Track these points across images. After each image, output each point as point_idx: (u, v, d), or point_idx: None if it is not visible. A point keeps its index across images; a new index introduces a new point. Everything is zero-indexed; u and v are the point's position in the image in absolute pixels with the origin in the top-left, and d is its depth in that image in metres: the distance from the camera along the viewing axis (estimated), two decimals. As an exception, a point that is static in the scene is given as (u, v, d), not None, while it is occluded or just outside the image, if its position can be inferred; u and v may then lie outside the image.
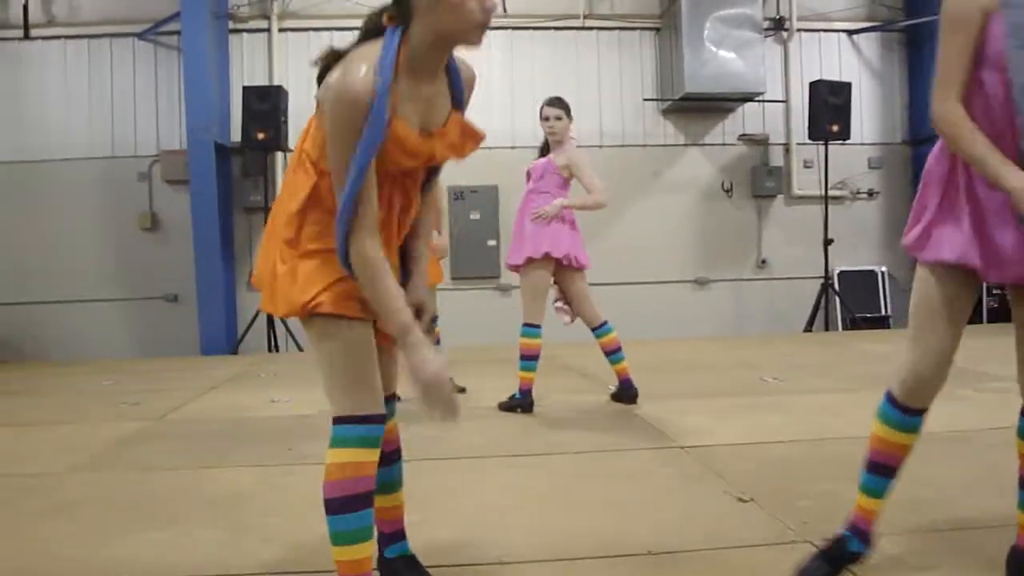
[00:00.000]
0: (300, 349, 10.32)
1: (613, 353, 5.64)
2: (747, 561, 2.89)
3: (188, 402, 6.43)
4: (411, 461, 4.37)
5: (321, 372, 2.29)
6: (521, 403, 5.61)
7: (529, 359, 5.55)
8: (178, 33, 10.29)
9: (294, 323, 10.36)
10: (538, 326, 5.51)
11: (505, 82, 11.08)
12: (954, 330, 2.54)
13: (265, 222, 8.77)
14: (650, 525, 3.25)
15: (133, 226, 10.71)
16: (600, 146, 11.05)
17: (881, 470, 2.66)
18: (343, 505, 2.24)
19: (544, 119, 5.60)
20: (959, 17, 2.26)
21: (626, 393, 5.72)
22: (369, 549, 2.30)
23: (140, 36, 10.64)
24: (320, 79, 2.21)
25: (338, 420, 2.28)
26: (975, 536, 3.06)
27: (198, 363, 9.23)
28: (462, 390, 6.07)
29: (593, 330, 5.65)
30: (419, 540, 3.16)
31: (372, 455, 2.26)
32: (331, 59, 2.21)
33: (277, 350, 10.23)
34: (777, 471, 4.00)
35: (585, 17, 11.32)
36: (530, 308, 5.53)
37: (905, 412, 2.61)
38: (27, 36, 10.57)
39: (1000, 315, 11.36)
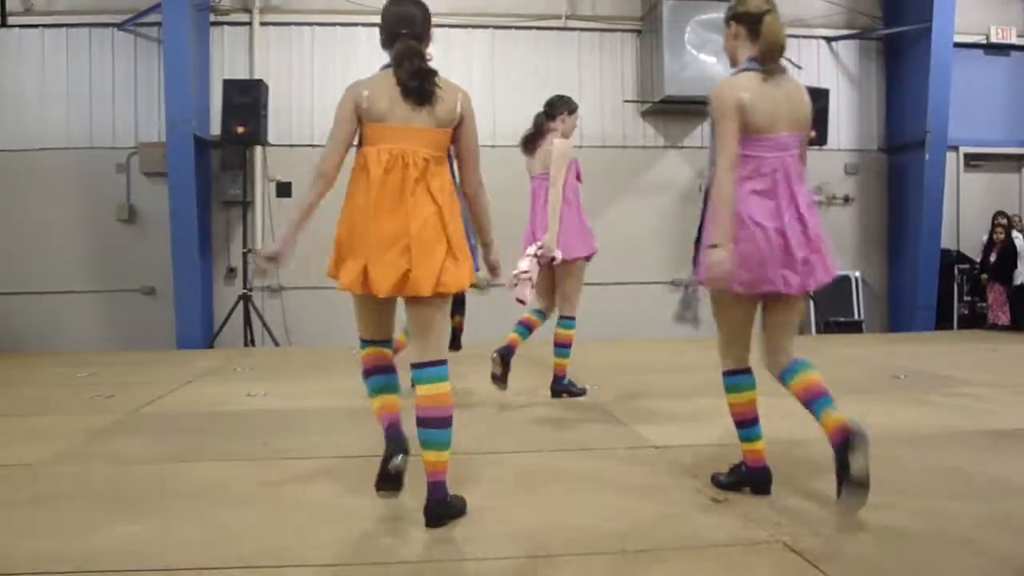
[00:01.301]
0: (276, 344, 10.30)
1: (564, 347, 5.94)
2: (721, 561, 2.94)
3: (163, 395, 6.40)
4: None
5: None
6: (571, 388, 6.02)
7: (568, 347, 5.93)
8: (158, 24, 10.20)
9: (271, 317, 10.35)
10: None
11: (486, 81, 11.08)
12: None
13: (244, 216, 8.72)
14: (625, 523, 3.29)
15: (110, 218, 10.62)
16: (580, 147, 11.05)
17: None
18: (367, 372, 3.52)
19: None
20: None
21: (564, 388, 6.05)
22: (379, 401, 3.48)
23: (120, 26, 10.54)
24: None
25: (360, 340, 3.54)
26: (938, 538, 3.11)
27: (174, 356, 9.18)
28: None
29: (563, 318, 5.91)
30: (394, 538, 3.20)
31: (375, 351, 3.51)
32: None
33: (253, 344, 10.19)
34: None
35: (567, 18, 11.35)
36: (576, 302, 5.90)
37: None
38: (4, 24, 10.47)
39: (971, 321, 11.54)
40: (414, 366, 3.37)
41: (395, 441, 3.28)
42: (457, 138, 3.43)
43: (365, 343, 3.51)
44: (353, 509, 3.49)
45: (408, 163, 3.24)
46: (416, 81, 3.32)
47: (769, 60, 3.46)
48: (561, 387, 6.04)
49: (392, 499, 3.33)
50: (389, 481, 3.25)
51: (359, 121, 3.32)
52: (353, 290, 3.30)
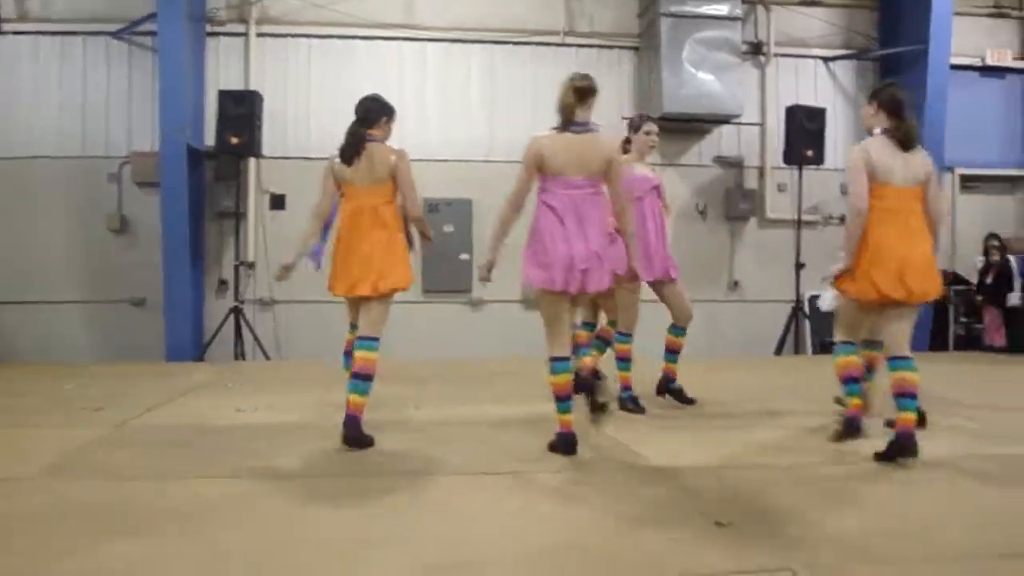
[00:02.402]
0: (267, 357, 10.19)
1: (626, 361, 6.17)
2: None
3: (153, 408, 6.29)
4: (381, 476, 4.31)
5: None
6: (634, 402, 6.09)
7: (629, 361, 6.12)
8: (153, 34, 10.14)
9: (262, 330, 10.24)
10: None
11: (484, 96, 11.06)
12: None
13: (237, 228, 8.79)
14: (627, 547, 3.20)
15: (101, 227, 10.52)
16: (576, 163, 11.04)
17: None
18: (347, 352, 5.23)
19: (646, 133, 6.17)
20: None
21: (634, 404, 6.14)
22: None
23: (115, 35, 10.48)
24: None
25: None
26: (945, 568, 3.03)
27: (163, 369, 9.05)
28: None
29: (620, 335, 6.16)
30: (391, 562, 3.09)
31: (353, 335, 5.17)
32: None
33: (244, 358, 10.08)
34: (753, 494, 3.97)
35: (565, 34, 11.33)
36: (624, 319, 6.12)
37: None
38: (-1, 30, 10.41)
39: (967, 343, 11.50)
40: (358, 338, 4.96)
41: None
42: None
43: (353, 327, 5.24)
44: (347, 529, 3.40)
45: (364, 210, 4.97)
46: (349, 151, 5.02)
47: None
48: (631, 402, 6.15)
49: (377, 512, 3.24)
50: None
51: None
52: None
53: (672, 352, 6.29)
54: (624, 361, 6.15)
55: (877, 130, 4.84)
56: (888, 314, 4.72)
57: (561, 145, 4.69)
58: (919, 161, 4.76)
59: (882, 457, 4.47)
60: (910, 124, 4.77)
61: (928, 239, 4.74)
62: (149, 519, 3.52)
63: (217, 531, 3.37)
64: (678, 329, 6.26)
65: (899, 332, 4.66)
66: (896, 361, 4.58)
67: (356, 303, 5.11)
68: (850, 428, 4.92)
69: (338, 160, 5.01)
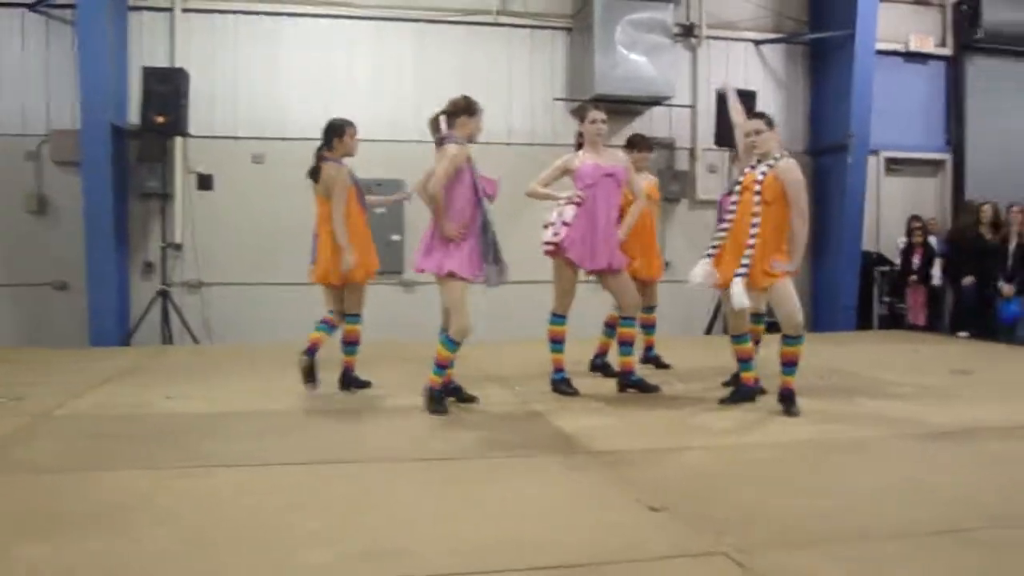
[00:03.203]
0: (196, 342, 9.97)
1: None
2: (664, 573, 2.87)
3: (77, 397, 6.10)
4: (318, 464, 4.25)
5: None
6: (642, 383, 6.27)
7: (631, 344, 6.24)
8: (72, 7, 9.77)
9: (190, 314, 10.02)
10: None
11: (415, 76, 10.91)
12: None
13: (163, 209, 8.60)
14: (564, 535, 3.20)
15: (18, 208, 10.11)
16: (508, 143, 10.99)
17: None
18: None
19: (592, 122, 6.16)
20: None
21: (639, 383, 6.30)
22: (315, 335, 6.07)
23: (31, 7, 10.05)
24: None
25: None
26: (879, 546, 3.11)
27: (87, 355, 8.77)
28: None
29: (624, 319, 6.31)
30: (325, 551, 3.05)
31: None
32: None
33: (172, 343, 9.85)
34: (689, 479, 4.02)
35: (498, 13, 11.23)
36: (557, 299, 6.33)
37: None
38: (-94, 2, 9.92)
39: (890, 322, 11.80)
40: (346, 315, 6.21)
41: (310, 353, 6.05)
42: None
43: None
44: (284, 523, 3.33)
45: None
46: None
47: None
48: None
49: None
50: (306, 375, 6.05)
51: None
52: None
53: (625, 344, 6.25)
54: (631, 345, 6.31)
55: (782, 153, 5.56)
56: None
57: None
58: None
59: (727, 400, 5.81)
60: None
61: None
62: (71, 516, 3.40)
63: (143, 528, 3.27)
64: (627, 320, 6.24)
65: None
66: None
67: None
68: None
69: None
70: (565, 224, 5.96)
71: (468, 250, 5.43)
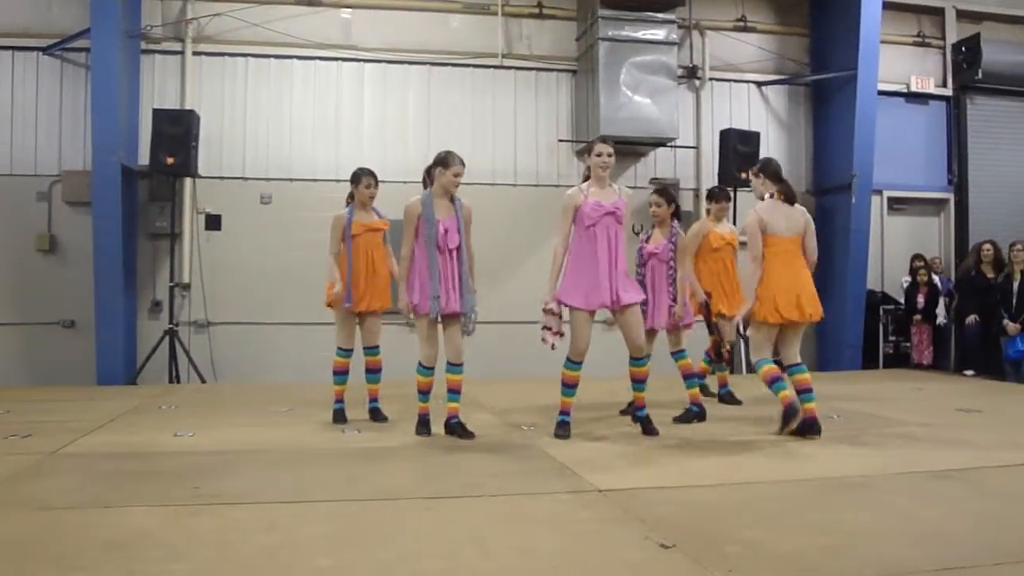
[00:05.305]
0: (203, 380, 10.01)
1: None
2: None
3: (85, 435, 6.12)
4: (327, 502, 4.27)
5: None
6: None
7: (642, 382, 6.28)
8: (87, 50, 9.95)
9: (197, 354, 10.06)
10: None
11: (421, 117, 11.06)
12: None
13: (171, 249, 8.72)
14: (576, 573, 3.21)
15: (29, 248, 10.23)
16: (514, 184, 11.11)
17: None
18: (335, 372, 6.71)
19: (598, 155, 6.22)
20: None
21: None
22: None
23: (46, 51, 10.25)
24: None
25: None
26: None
27: (95, 393, 8.82)
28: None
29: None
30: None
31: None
32: None
33: (179, 381, 9.89)
34: (698, 516, 4.02)
35: (503, 56, 11.41)
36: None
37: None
38: (-77, 44, 10.11)
39: (895, 361, 11.80)
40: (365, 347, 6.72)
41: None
42: None
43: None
44: (295, 560, 3.35)
45: None
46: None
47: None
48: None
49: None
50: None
51: None
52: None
53: (636, 381, 6.20)
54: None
55: (767, 195, 6.21)
56: (785, 333, 6.18)
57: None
58: (799, 214, 6.22)
59: (795, 432, 5.89)
60: (789, 185, 6.28)
61: (808, 272, 6.30)
62: (81, 553, 3.41)
63: (153, 565, 3.28)
64: (634, 360, 6.14)
65: (793, 347, 6.24)
66: (792, 368, 6.13)
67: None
68: (790, 414, 5.95)
69: None
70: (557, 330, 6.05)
71: (421, 289, 5.97)
